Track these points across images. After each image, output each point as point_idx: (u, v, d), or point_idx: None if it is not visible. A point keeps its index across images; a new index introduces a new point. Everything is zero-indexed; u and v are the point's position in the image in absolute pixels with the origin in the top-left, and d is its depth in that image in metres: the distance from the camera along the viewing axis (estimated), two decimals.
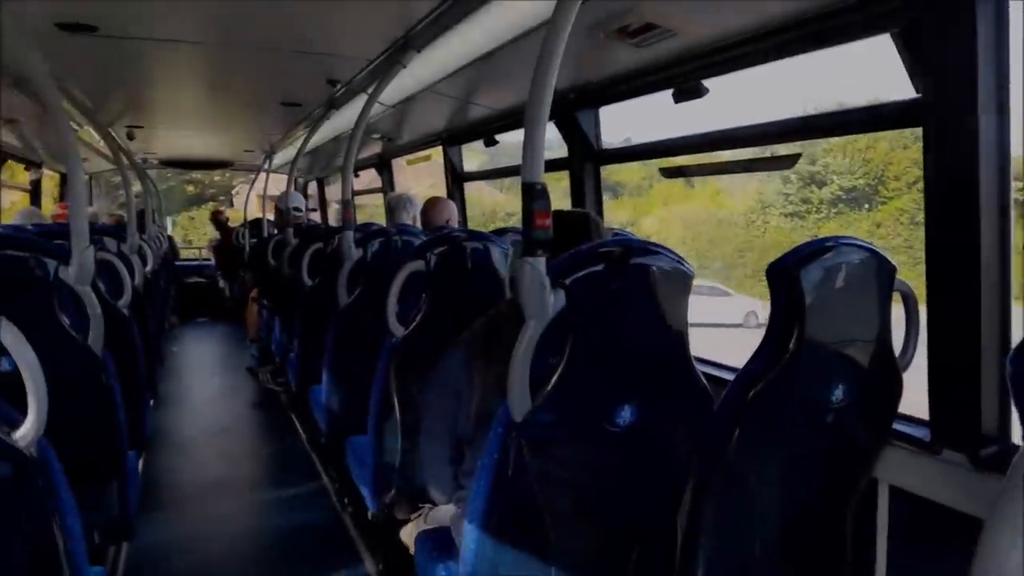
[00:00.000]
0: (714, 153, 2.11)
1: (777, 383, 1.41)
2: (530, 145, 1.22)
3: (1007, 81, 1.34)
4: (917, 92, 1.46)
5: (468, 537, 1.36)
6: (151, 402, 3.46)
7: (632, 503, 1.43)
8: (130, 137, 5.10)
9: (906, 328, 1.61)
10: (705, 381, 1.43)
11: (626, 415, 1.33)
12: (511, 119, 3.24)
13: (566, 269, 1.27)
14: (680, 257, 1.37)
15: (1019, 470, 0.57)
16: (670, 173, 2.37)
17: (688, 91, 2.07)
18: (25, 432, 1.11)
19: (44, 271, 1.79)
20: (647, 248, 1.35)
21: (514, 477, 1.30)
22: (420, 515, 1.89)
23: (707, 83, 2.04)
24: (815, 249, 1.42)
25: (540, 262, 1.22)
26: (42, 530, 1.16)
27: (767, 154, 1.99)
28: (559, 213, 1.65)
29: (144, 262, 3.76)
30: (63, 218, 1.89)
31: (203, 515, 2.96)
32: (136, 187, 5.04)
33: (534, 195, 1.21)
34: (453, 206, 2.96)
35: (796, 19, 1.64)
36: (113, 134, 4.09)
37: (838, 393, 1.46)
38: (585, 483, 1.38)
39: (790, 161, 1.85)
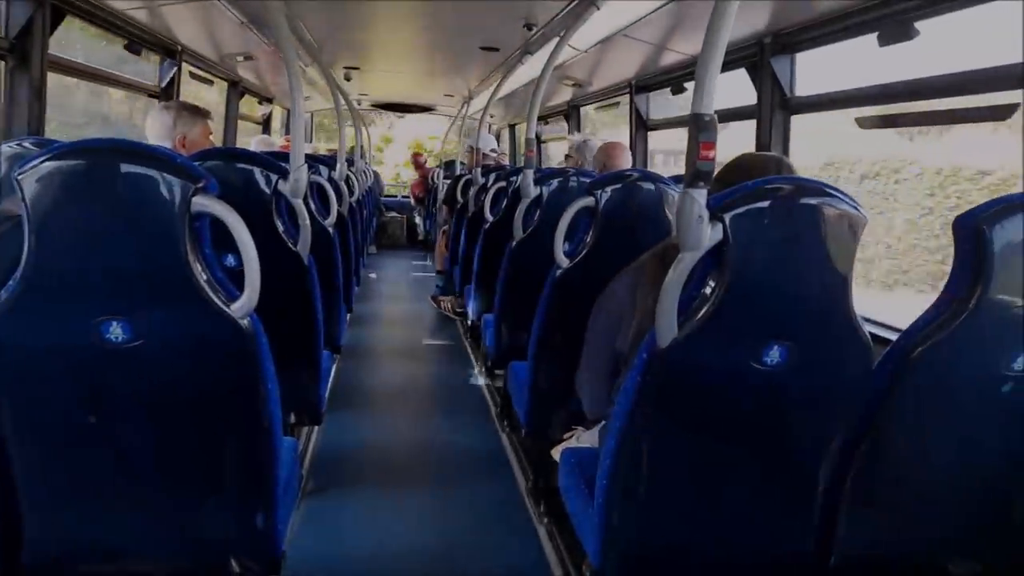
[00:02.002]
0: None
1: (949, 344, 1.32)
2: (703, 75, 1.23)
3: None
4: None
5: (605, 454, 1.44)
6: (347, 314, 3.90)
7: (772, 444, 1.43)
8: (347, 79, 5.60)
9: None
10: (867, 334, 1.38)
11: (775, 355, 1.33)
12: None
13: (728, 204, 1.27)
14: (855, 201, 1.32)
15: None
16: (867, 123, 2.21)
17: (895, 33, 1.91)
18: (240, 305, 1.35)
19: (267, 182, 2.10)
20: (820, 188, 1.31)
21: (654, 400, 1.35)
22: (572, 435, 2.02)
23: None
24: (1010, 204, 1.30)
25: (701, 193, 1.24)
26: (249, 388, 1.41)
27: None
28: (748, 155, 1.64)
29: (350, 191, 4.18)
30: (288, 148, 2.21)
31: (382, 419, 3.34)
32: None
33: (701, 125, 1.22)
34: (628, 152, 2.97)
35: None
36: (332, 75, 4.54)
37: (1020, 362, 1.34)
38: (725, 416, 1.40)
39: (1006, 112, 1.66)
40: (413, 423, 3.32)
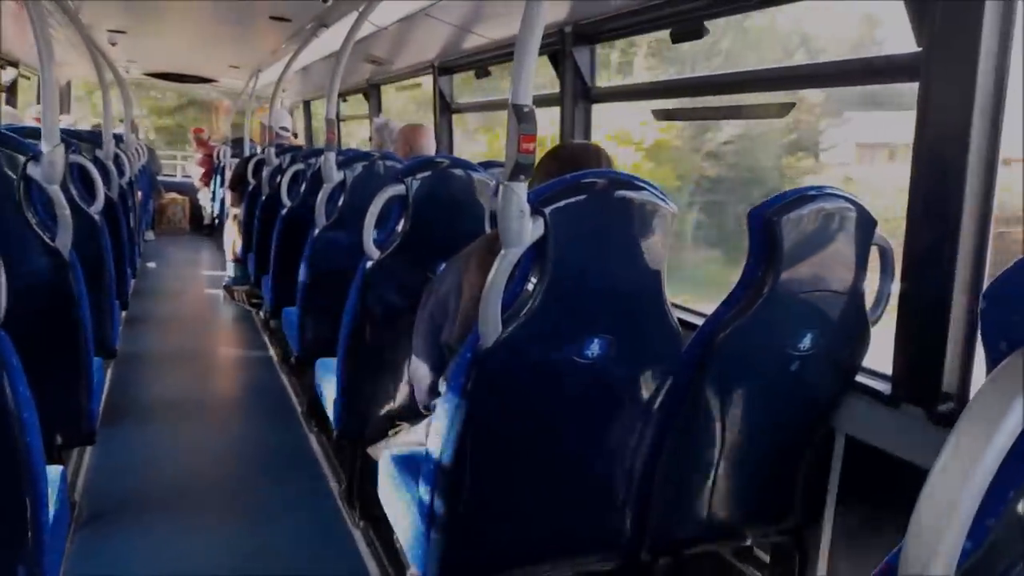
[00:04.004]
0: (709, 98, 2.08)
1: (747, 328, 1.43)
2: (520, 68, 1.19)
3: (1009, 43, 1.32)
4: (918, 47, 1.43)
5: (429, 455, 1.37)
6: (122, 313, 3.43)
7: (595, 438, 1.45)
8: (112, 43, 4.92)
9: (880, 282, 1.62)
10: (677, 322, 1.44)
11: (595, 348, 1.34)
12: (507, 51, 3.16)
13: (547, 197, 1.25)
14: (664, 194, 1.36)
15: (968, 419, 0.58)
16: (662, 115, 2.34)
17: (687, 32, 2.02)
18: None
19: (11, 165, 1.75)
20: (632, 182, 1.33)
21: (479, 400, 1.31)
22: (396, 431, 1.93)
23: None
24: (797, 197, 1.41)
25: (521, 187, 1.20)
26: None
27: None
28: (569, 144, 1.62)
29: (120, 172, 3.67)
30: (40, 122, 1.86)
31: (168, 430, 2.95)
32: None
33: (520, 117, 1.17)
34: (432, 135, 2.90)
35: None
36: (92, 38, 3.94)
37: (806, 341, 1.48)
38: (549, 411, 1.40)
39: (784, 110, 1.82)
40: (207, 433, 2.97)
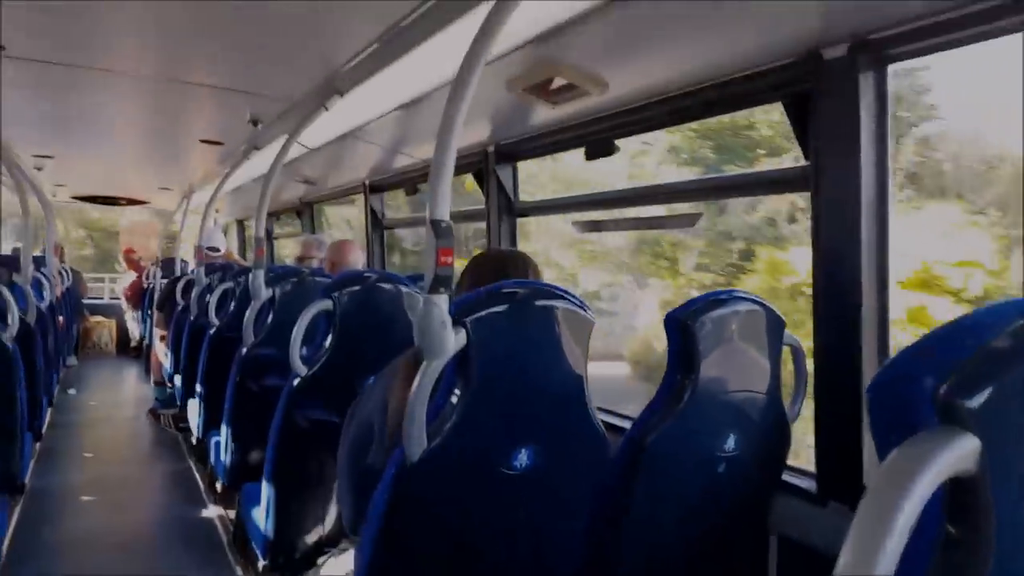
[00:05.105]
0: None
1: (672, 430, 1.44)
2: (436, 183, 1.24)
3: (886, 150, 1.46)
4: (807, 159, 1.57)
5: None
6: (35, 445, 3.22)
7: (524, 546, 1.41)
8: (38, 168, 4.88)
9: (795, 381, 1.68)
10: (603, 427, 1.45)
11: (523, 458, 1.33)
12: None
13: (468, 308, 1.27)
14: (583, 302, 1.40)
15: (867, 504, 0.59)
16: (584, 227, 2.45)
17: (600, 150, 2.16)
18: None
19: None
20: (552, 291, 1.37)
21: (404, 517, 1.27)
22: (325, 559, 1.83)
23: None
24: (709, 301, 1.48)
25: (442, 299, 1.22)
26: None
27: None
28: (494, 251, 1.66)
29: (40, 296, 3.56)
30: None
31: (78, 572, 2.72)
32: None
33: (438, 232, 1.22)
34: (359, 250, 2.94)
35: (697, 86, 1.76)
36: (20, 166, 3.91)
37: (730, 443, 1.51)
38: (477, 525, 1.36)
39: (691, 219, 1.94)
40: (131, 569, 2.76)
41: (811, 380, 1.60)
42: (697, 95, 1.76)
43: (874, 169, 1.46)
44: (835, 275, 1.50)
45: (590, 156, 2.16)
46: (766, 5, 1.43)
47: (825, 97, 1.48)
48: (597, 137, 2.14)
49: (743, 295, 1.54)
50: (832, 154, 1.49)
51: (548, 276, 1.63)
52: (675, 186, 1.98)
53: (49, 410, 3.97)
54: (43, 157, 4.55)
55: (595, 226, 2.42)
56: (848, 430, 1.48)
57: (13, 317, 2.50)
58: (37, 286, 3.50)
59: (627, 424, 1.54)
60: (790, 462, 1.65)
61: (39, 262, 4.05)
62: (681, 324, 1.45)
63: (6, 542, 2.34)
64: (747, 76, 1.63)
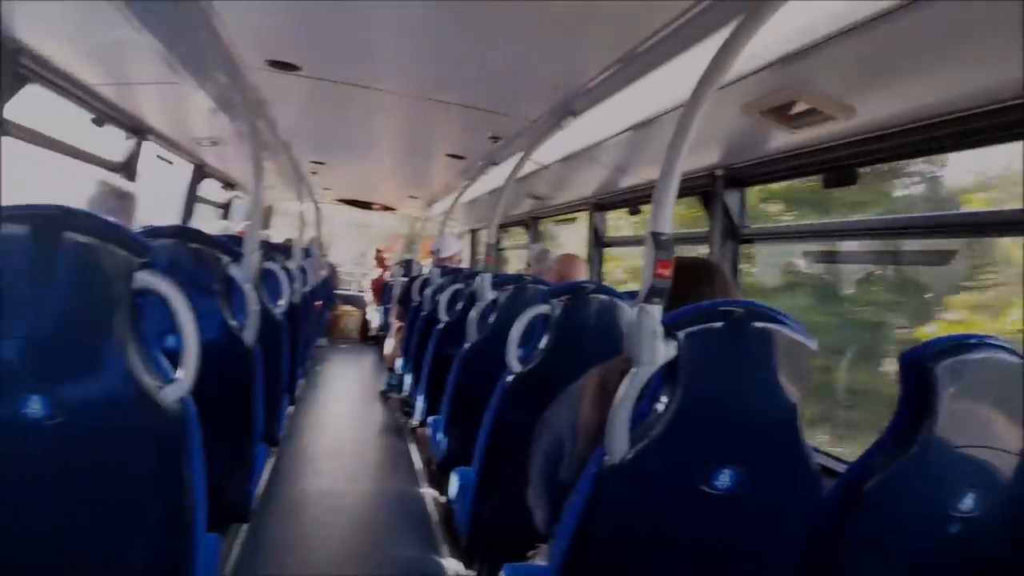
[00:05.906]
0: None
1: (895, 479, 1.33)
2: (661, 198, 1.28)
3: None
4: None
5: (550, 573, 1.38)
6: (289, 407, 3.75)
7: (716, 567, 1.38)
8: (312, 172, 5.67)
9: None
10: (816, 462, 1.38)
11: (725, 479, 1.31)
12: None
13: (682, 321, 1.29)
14: (804, 329, 1.35)
15: None
16: (816, 258, 2.32)
17: (840, 178, 2.04)
18: (173, 388, 1.29)
19: (217, 265, 2.07)
20: (770, 314, 1.34)
21: (602, 518, 1.31)
22: (535, 553, 1.91)
23: None
24: (954, 344, 1.34)
25: (656, 309, 1.26)
26: (173, 477, 1.33)
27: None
28: (684, 258, 1.67)
29: (305, 282, 4.14)
30: (244, 233, 2.23)
31: (314, 523, 3.15)
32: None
33: (658, 244, 1.26)
34: (583, 265, 3.04)
35: (950, 116, 1.61)
36: (300, 169, 4.59)
37: (967, 502, 1.35)
38: (672, 539, 1.36)
39: (944, 257, 1.76)
40: (347, 530, 3.14)
41: None
42: (955, 124, 1.61)
43: None
44: None
45: (828, 184, 2.06)
46: None
47: None
48: (836, 164, 2.03)
49: (996, 341, 1.37)
50: None
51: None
52: (921, 220, 1.81)
53: (301, 381, 4.57)
54: (317, 164, 5.29)
55: (829, 257, 2.29)
56: None
57: (284, 296, 2.94)
58: (302, 273, 4.07)
59: (834, 464, 1.43)
60: None
61: (305, 253, 4.71)
62: (919, 366, 1.33)
63: (263, 483, 2.77)
64: (1008, 107, 1.47)
